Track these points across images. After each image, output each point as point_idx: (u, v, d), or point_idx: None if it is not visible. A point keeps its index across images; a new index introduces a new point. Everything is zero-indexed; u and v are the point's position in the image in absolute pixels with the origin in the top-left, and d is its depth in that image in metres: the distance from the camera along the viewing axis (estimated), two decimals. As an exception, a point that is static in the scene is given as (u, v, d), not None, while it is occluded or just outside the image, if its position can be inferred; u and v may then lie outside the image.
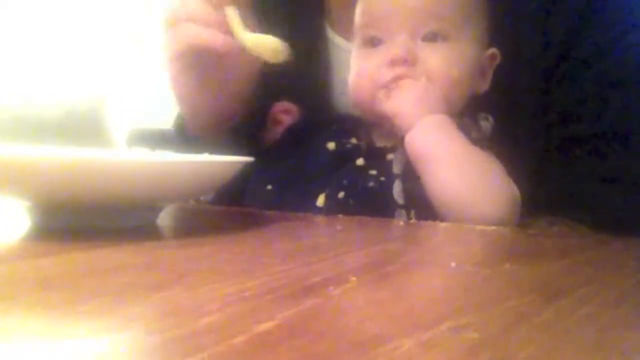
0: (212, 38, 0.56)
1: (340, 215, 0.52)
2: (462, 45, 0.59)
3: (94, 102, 1.99)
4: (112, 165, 0.36)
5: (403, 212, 0.54)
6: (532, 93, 0.64)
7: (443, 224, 0.51)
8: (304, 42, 0.74)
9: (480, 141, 0.57)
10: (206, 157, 0.46)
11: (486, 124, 0.59)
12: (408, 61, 0.57)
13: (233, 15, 0.56)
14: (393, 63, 0.57)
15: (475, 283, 0.30)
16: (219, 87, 0.62)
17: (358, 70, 0.61)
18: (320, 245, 0.41)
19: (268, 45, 0.55)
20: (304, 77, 0.73)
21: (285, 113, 0.68)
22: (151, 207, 0.42)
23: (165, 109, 0.75)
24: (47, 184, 0.35)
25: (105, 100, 2.01)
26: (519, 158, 0.57)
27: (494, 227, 0.49)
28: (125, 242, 0.35)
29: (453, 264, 0.34)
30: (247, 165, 0.46)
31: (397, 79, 0.57)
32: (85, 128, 1.87)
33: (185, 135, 0.68)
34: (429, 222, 0.51)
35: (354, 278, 0.28)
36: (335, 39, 0.73)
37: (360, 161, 0.58)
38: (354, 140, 0.62)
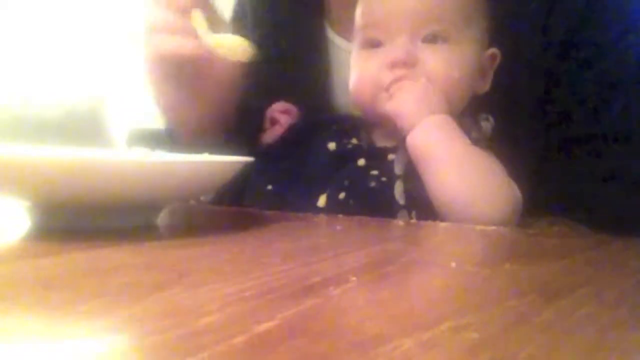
0: (180, 45, 0.55)
1: (340, 215, 0.52)
2: (462, 46, 0.59)
3: (94, 102, 1.99)
4: (112, 165, 0.36)
5: (404, 212, 0.54)
6: (532, 93, 0.64)
7: (443, 224, 0.51)
8: (304, 42, 0.74)
9: (480, 141, 0.57)
10: (206, 157, 0.46)
11: (486, 124, 0.59)
12: (408, 63, 0.57)
13: (198, 19, 0.55)
14: (393, 65, 0.57)
15: (475, 283, 0.30)
16: (199, 94, 0.62)
17: (359, 73, 0.61)
18: (320, 245, 0.41)
19: (232, 45, 0.55)
20: (304, 77, 0.73)
21: (284, 113, 0.68)
22: (151, 207, 0.42)
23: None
24: (47, 184, 0.35)
25: (105, 100, 2.01)
26: (519, 158, 0.57)
27: (494, 227, 0.49)
28: (125, 242, 0.35)
29: (453, 264, 0.34)
30: (247, 165, 0.46)
31: (398, 80, 0.57)
32: (85, 128, 1.87)
33: (177, 141, 0.68)
34: (429, 222, 0.51)
35: (354, 278, 0.28)
36: (335, 39, 0.73)
37: (361, 161, 0.58)
38: (354, 141, 0.62)
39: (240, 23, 0.81)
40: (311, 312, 0.23)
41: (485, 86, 0.63)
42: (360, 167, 0.58)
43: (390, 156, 0.58)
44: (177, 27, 0.56)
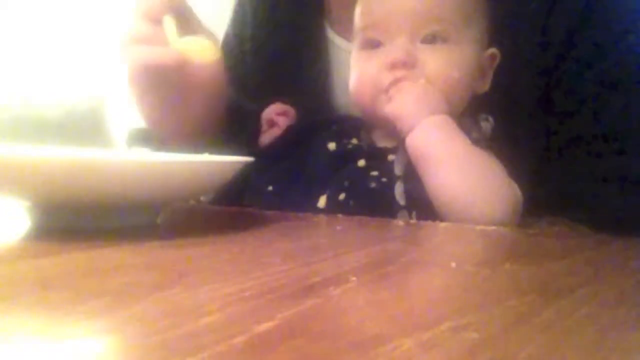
0: (149, 55, 0.55)
1: (340, 215, 0.52)
2: (461, 46, 0.59)
3: (94, 102, 1.99)
4: (112, 165, 0.36)
5: (405, 213, 0.54)
6: (532, 93, 0.64)
7: (443, 224, 0.51)
8: (304, 42, 0.74)
9: (480, 142, 0.57)
10: (206, 157, 0.46)
11: (486, 124, 0.59)
12: (408, 64, 0.57)
13: (168, 24, 0.55)
14: (393, 66, 0.57)
15: (475, 283, 0.30)
16: (181, 103, 0.61)
17: (358, 74, 0.61)
18: (320, 245, 0.41)
19: (196, 47, 0.55)
20: (304, 77, 0.73)
21: (282, 115, 0.68)
22: (151, 207, 0.42)
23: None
24: (47, 184, 0.35)
25: (105, 100, 2.01)
26: (519, 158, 0.57)
27: (494, 227, 0.49)
28: (125, 242, 0.35)
29: (453, 264, 0.34)
30: (247, 165, 0.46)
31: (397, 81, 0.57)
32: (85, 128, 1.87)
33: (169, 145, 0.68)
34: (429, 222, 0.51)
35: (354, 278, 0.28)
36: (335, 38, 0.73)
37: (361, 162, 0.58)
38: (354, 141, 0.62)
39: (240, 23, 0.81)
40: (311, 312, 0.23)
41: (485, 86, 0.63)
42: (360, 168, 0.58)
43: (391, 157, 0.58)
44: (147, 36, 0.56)
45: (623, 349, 0.22)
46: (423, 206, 0.53)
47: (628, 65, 0.62)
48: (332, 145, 0.61)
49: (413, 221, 0.53)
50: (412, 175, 0.55)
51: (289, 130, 0.67)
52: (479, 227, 0.48)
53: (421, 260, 0.36)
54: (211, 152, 0.47)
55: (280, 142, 0.66)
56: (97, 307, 0.22)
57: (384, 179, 0.56)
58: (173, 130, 0.63)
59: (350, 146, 0.61)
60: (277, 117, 0.68)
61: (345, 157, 0.60)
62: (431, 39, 0.58)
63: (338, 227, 0.47)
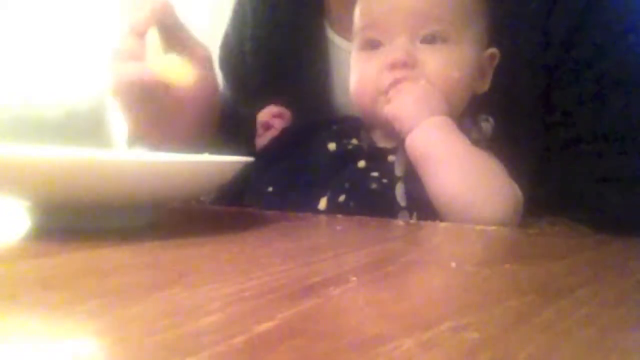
0: (130, 72, 0.55)
1: (340, 216, 0.52)
2: (461, 47, 0.59)
3: (94, 102, 1.99)
4: (112, 165, 0.36)
5: (405, 214, 0.54)
6: (532, 93, 0.64)
7: (443, 224, 0.51)
8: (304, 42, 0.74)
9: (480, 142, 0.57)
10: (206, 157, 0.46)
11: (486, 125, 0.59)
12: (408, 64, 0.57)
13: (150, 40, 0.55)
14: (393, 66, 0.57)
15: (475, 283, 0.30)
16: (167, 119, 0.61)
17: (359, 75, 0.61)
18: (320, 245, 0.41)
19: (172, 68, 0.54)
20: (303, 77, 0.73)
21: (277, 117, 0.68)
22: (151, 207, 0.42)
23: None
24: (47, 184, 0.35)
25: (105, 100, 2.01)
26: (519, 158, 0.57)
27: (494, 227, 0.49)
28: (125, 242, 0.35)
29: (453, 264, 0.34)
30: (248, 165, 0.46)
31: (397, 82, 0.57)
32: (85, 128, 1.87)
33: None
34: (429, 222, 0.51)
35: (354, 278, 0.28)
36: (335, 38, 0.73)
37: (361, 163, 0.58)
38: (355, 141, 0.62)
39: (240, 23, 0.81)
40: (311, 312, 0.23)
41: (485, 86, 0.63)
42: (361, 169, 0.58)
43: (391, 157, 0.58)
44: (131, 52, 0.55)
45: (623, 349, 0.22)
46: (424, 207, 0.53)
47: (628, 65, 0.62)
48: (332, 146, 0.61)
49: (413, 221, 0.53)
50: (412, 176, 0.55)
51: (286, 131, 0.67)
52: (479, 227, 0.48)
53: (421, 260, 0.36)
54: (211, 152, 0.47)
55: (280, 142, 0.66)
56: (97, 307, 0.22)
57: (384, 180, 0.56)
58: (160, 142, 0.62)
59: (350, 147, 0.61)
60: (272, 120, 0.67)
61: (346, 157, 0.60)
62: (431, 39, 0.58)
63: (338, 227, 0.47)
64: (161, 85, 0.55)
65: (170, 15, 0.58)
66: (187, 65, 0.54)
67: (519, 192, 0.54)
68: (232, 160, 0.45)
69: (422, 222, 0.52)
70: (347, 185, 0.57)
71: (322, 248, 0.39)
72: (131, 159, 0.41)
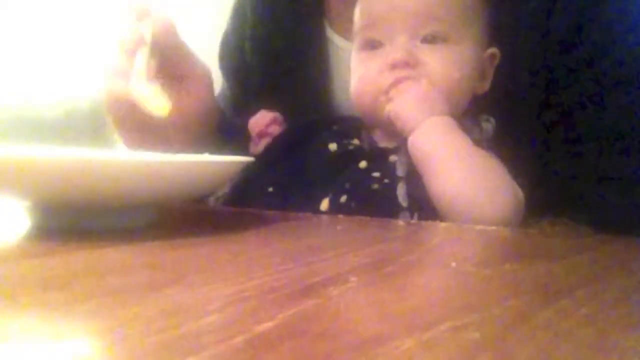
0: (112, 91, 0.55)
1: (341, 215, 0.52)
2: (462, 46, 0.59)
3: (94, 102, 1.99)
4: (112, 165, 0.36)
5: (407, 214, 0.54)
6: (532, 93, 0.64)
7: (443, 224, 0.51)
8: (304, 42, 0.74)
9: (482, 142, 0.57)
10: (206, 157, 0.46)
11: (487, 125, 0.59)
12: (409, 64, 0.57)
13: (139, 61, 0.54)
14: (394, 66, 0.57)
15: (475, 283, 0.30)
16: (156, 136, 0.60)
17: (360, 75, 0.61)
18: (320, 245, 0.41)
19: (149, 100, 0.54)
20: (303, 77, 0.73)
21: (272, 124, 0.67)
22: (151, 207, 0.42)
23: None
24: (47, 184, 0.35)
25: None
26: (520, 158, 0.57)
27: (494, 227, 0.49)
28: (125, 242, 0.35)
29: (453, 264, 0.34)
30: (248, 165, 0.46)
31: (398, 82, 0.57)
32: (85, 128, 1.87)
33: None
34: (429, 222, 0.51)
35: (354, 278, 0.28)
36: (334, 38, 0.73)
37: (363, 164, 0.58)
38: (355, 142, 0.62)
39: (240, 22, 0.81)
40: (311, 312, 0.23)
41: (486, 86, 0.63)
42: (362, 169, 0.58)
43: (392, 157, 0.58)
44: (120, 69, 0.55)
45: (623, 349, 0.22)
46: (425, 207, 0.53)
47: (628, 65, 0.62)
48: (332, 146, 0.61)
49: (413, 221, 0.53)
50: (414, 177, 0.55)
51: (286, 131, 0.67)
52: (479, 227, 0.48)
53: (421, 260, 0.36)
54: (211, 152, 0.47)
55: (280, 143, 0.66)
56: (97, 307, 0.22)
57: (386, 180, 0.56)
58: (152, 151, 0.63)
59: (351, 147, 0.61)
60: (268, 128, 0.67)
61: (347, 158, 0.59)
62: (431, 39, 0.58)
63: (338, 227, 0.47)
64: (136, 109, 0.55)
65: (171, 35, 0.58)
66: (165, 98, 0.54)
67: (520, 193, 0.54)
68: (232, 160, 0.45)
69: (423, 222, 0.52)
70: (348, 185, 0.56)
71: (322, 248, 0.39)
72: (131, 159, 0.41)
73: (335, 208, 0.55)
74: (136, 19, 0.57)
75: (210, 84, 0.64)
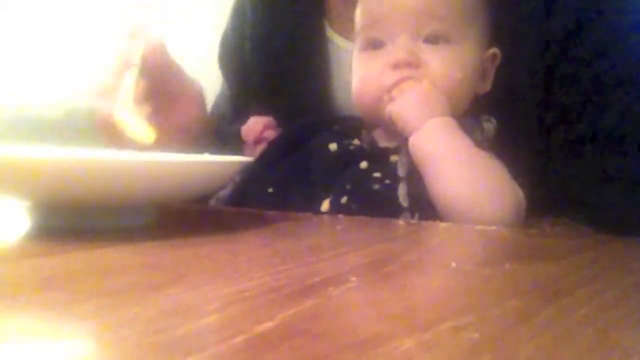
0: (106, 113, 0.55)
1: (341, 215, 0.52)
2: (463, 46, 0.59)
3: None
4: (112, 165, 0.36)
5: (408, 215, 0.53)
6: (532, 93, 0.64)
7: (443, 224, 0.51)
8: (304, 42, 0.74)
9: (483, 143, 0.57)
10: (206, 157, 0.46)
11: (489, 125, 0.59)
12: (412, 64, 0.57)
13: (126, 87, 0.54)
14: (396, 66, 0.57)
15: (475, 283, 0.30)
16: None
17: (361, 75, 0.61)
18: (320, 245, 0.41)
19: (135, 130, 0.54)
20: (303, 77, 0.73)
21: (266, 128, 0.67)
22: (151, 207, 0.42)
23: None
24: (47, 184, 0.35)
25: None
26: (520, 158, 0.57)
27: (494, 227, 0.48)
28: (125, 242, 0.35)
29: (453, 264, 0.34)
30: (248, 166, 0.46)
31: (401, 81, 0.57)
32: (85, 128, 1.86)
33: None
34: (429, 222, 0.51)
35: (354, 278, 0.28)
36: (334, 38, 0.73)
37: (363, 164, 0.58)
38: (356, 142, 0.62)
39: (240, 22, 0.81)
40: (311, 312, 0.23)
41: (487, 86, 0.63)
42: (363, 170, 0.57)
43: (393, 157, 0.57)
44: (104, 90, 0.55)
45: (623, 349, 0.22)
46: (426, 208, 0.53)
47: (628, 65, 0.62)
48: (333, 146, 0.61)
49: (413, 221, 0.53)
50: (415, 177, 0.54)
51: (286, 131, 0.67)
52: (479, 227, 0.48)
53: (421, 260, 0.36)
54: (211, 152, 0.47)
55: (281, 143, 0.65)
56: (97, 307, 0.22)
57: (387, 181, 0.55)
58: None
59: (352, 147, 0.61)
60: (261, 134, 0.67)
61: (347, 158, 0.59)
62: (433, 39, 0.58)
63: (338, 227, 0.47)
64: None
65: (161, 55, 0.57)
66: (149, 127, 0.53)
67: (521, 194, 0.54)
68: (232, 160, 0.45)
69: (423, 222, 0.52)
70: (349, 186, 0.56)
71: (322, 248, 0.39)
72: (131, 159, 0.41)
73: (336, 209, 0.55)
74: (127, 39, 0.56)
75: (202, 101, 0.64)
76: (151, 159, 0.41)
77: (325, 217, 0.53)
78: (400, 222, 0.52)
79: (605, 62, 0.62)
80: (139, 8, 0.60)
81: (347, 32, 0.68)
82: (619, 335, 0.23)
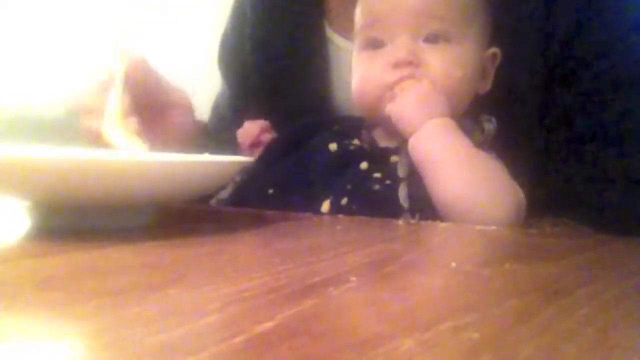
0: (93, 132, 0.54)
1: (341, 215, 0.52)
2: (463, 46, 0.59)
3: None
4: (112, 165, 0.36)
5: (408, 216, 0.53)
6: (532, 93, 0.64)
7: (443, 224, 0.51)
8: (303, 41, 0.74)
9: (483, 144, 0.57)
10: (206, 157, 0.46)
11: (489, 125, 0.59)
12: (413, 63, 0.57)
13: (111, 104, 0.53)
14: (397, 65, 0.57)
15: (475, 283, 0.30)
16: None
17: (362, 74, 0.61)
18: (320, 245, 0.41)
19: (124, 147, 0.53)
20: (303, 77, 0.73)
21: (262, 132, 0.67)
22: (151, 207, 0.42)
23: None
24: (47, 184, 0.35)
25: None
26: (520, 158, 0.57)
27: (494, 227, 0.48)
28: (125, 242, 0.35)
29: (453, 264, 0.34)
30: (248, 166, 0.46)
31: (403, 80, 0.57)
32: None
33: None
34: (429, 223, 0.51)
35: (354, 278, 0.28)
36: (334, 37, 0.73)
37: (364, 164, 0.58)
38: (356, 142, 0.62)
39: (239, 22, 0.81)
40: (311, 312, 0.23)
41: (487, 86, 0.63)
42: (363, 170, 0.57)
43: (393, 158, 0.57)
44: (96, 108, 0.55)
45: (623, 349, 0.22)
46: (427, 209, 0.53)
47: (628, 65, 0.62)
48: (333, 146, 0.61)
49: (413, 221, 0.53)
50: (415, 178, 0.54)
51: (286, 131, 0.67)
52: (479, 227, 0.48)
53: (421, 260, 0.36)
54: (211, 152, 0.47)
55: (280, 143, 0.65)
56: (97, 307, 0.22)
57: (387, 181, 0.55)
58: None
59: (352, 147, 0.61)
60: (257, 138, 0.67)
61: (347, 158, 0.59)
62: (434, 38, 0.58)
63: (338, 227, 0.47)
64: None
65: (142, 70, 0.57)
66: (137, 142, 0.53)
67: (521, 194, 0.54)
68: (232, 160, 0.45)
69: (423, 222, 0.52)
70: (349, 187, 0.56)
71: (322, 248, 0.39)
72: (131, 159, 0.41)
73: (336, 210, 0.55)
74: (108, 56, 0.56)
75: (190, 109, 0.64)
76: (151, 159, 0.41)
77: (325, 217, 0.53)
78: (400, 222, 0.52)
79: (605, 62, 0.62)
80: (120, 23, 0.60)
81: (347, 32, 0.68)
82: (619, 335, 0.23)
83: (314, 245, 0.40)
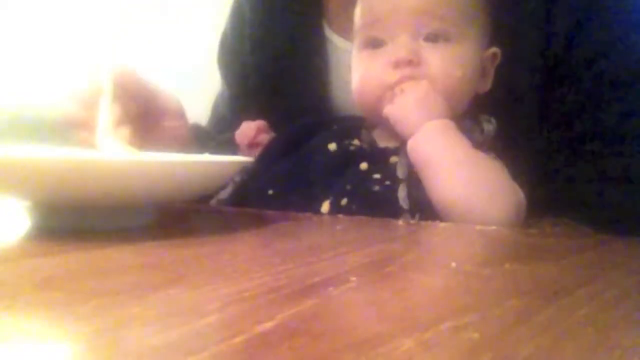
0: (87, 143, 0.54)
1: (341, 215, 0.52)
2: (463, 45, 0.59)
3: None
4: (112, 165, 0.36)
5: (408, 216, 0.53)
6: (532, 93, 0.64)
7: (443, 224, 0.51)
8: (302, 42, 0.74)
9: (483, 144, 0.57)
10: (206, 157, 0.46)
11: (489, 125, 0.59)
12: (413, 62, 0.57)
13: (102, 116, 0.53)
14: (397, 65, 0.57)
15: (475, 283, 0.30)
16: None
17: (362, 74, 0.61)
18: (320, 245, 0.41)
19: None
20: (302, 77, 0.73)
21: (259, 132, 0.67)
22: (151, 207, 0.42)
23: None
24: (47, 184, 0.35)
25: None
26: (520, 158, 0.57)
27: (494, 227, 0.48)
28: (125, 242, 0.35)
29: (453, 264, 0.34)
30: (248, 166, 0.46)
31: (402, 80, 0.57)
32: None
33: None
34: (429, 223, 0.51)
35: (354, 278, 0.28)
36: (333, 37, 0.73)
37: (363, 165, 0.58)
38: (356, 142, 0.62)
39: (238, 22, 0.81)
40: (311, 312, 0.23)
41: (487, 86, 0.63)
42: (363, 171, 0.57)
43: (393, 158, 0.57)
44: (82, 121, 0.55)
45: (623, 349, 0.22)
46: (426, 210, 0.53)
47: (628, 65, 0.62)
48: (332, 146, 0.61)
49: (413, 221, 0.53)
50: (415, 179, 0.54)
51: (285, 131, 0.67)
52: (479, 227, 0.48)
53: (421, 260, 0.36)
54: (211, 152, 0.47)
55: (280, 143, 0.65)
56: (97, 307, 0.22)
57: (387, 182, 0.55)
58: None
59: (351, 147, 0.61)
60: (255, 139, 0.67)
61: (347, 158, 0.59)
62: (434, 38, 0.58)
63: (338, 227, 0.47)
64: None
65: (130, 80, 0.57)
66: (130, 150, 0.52)
67: (521, 195, 0.54)
68: (232, 160, 0.45)
69: (422, 222, 0.52)
70: (349, 187, 0.56)
71: (322, 248, 0.39)
72: (131, 159, 0.41)
73: (336, 210, 0.55)
74: (97, 67, 0.56)
75: (182, 114, 0.64)
76: (151, 159, 0.41)
77: (325, 217, 0.53)
78: (400, 222, 0.52)
79: (605, 62, 0.62)
80: (120, 23, 0.60)
81: (346, 32, 0.68)
82: (619, 335, 0.23)
83: (314, 245, 0.40)
